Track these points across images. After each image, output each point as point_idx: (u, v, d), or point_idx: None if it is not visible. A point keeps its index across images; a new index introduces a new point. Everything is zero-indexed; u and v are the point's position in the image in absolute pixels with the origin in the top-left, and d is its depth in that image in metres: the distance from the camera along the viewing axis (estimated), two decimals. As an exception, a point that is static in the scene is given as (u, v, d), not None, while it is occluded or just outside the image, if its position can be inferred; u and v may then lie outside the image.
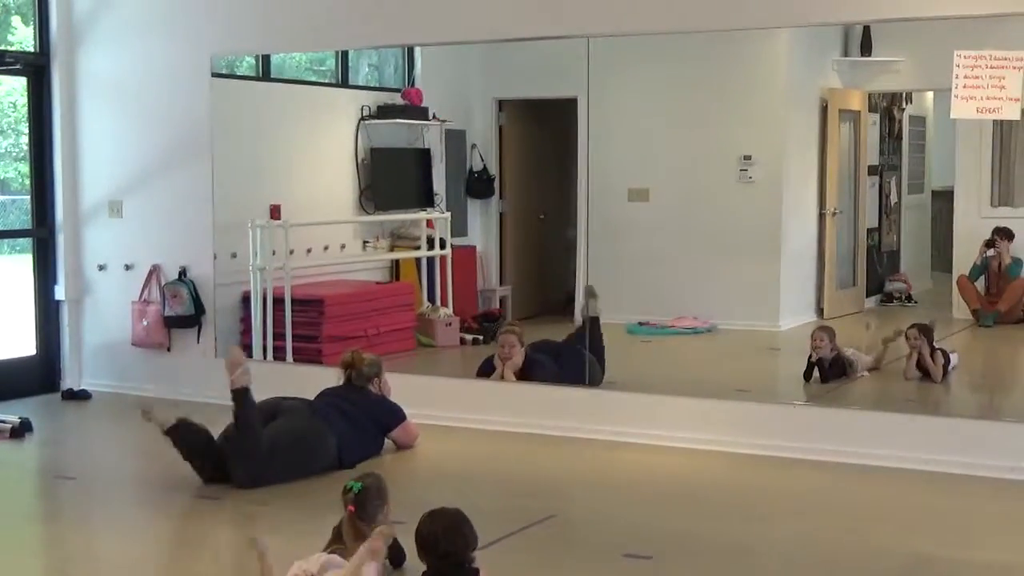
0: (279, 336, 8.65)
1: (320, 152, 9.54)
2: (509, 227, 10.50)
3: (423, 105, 9.92)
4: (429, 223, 9.87)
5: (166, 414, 6.37)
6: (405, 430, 7.08)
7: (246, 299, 8.77)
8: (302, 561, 4.43)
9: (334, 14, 8.08)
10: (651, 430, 7.24)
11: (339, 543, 4.61)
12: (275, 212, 8.77)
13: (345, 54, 9.55)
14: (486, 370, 8.04)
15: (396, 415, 7.04)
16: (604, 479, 6.63)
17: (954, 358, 8.10)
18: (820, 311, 9.51)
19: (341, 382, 7.05)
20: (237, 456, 6.24)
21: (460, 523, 4.30)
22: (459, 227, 10.14)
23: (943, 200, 10.33)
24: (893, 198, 10.51)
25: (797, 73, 9.63)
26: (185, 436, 6.33)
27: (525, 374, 7.85)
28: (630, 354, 8.19)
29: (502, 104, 10.38)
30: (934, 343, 7.97)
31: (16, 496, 6.59)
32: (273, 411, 6.58)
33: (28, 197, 9.02)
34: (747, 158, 9.45)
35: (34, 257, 8.98)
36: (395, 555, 4.77)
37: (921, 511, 5.97)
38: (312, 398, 6.91)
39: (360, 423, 6.81)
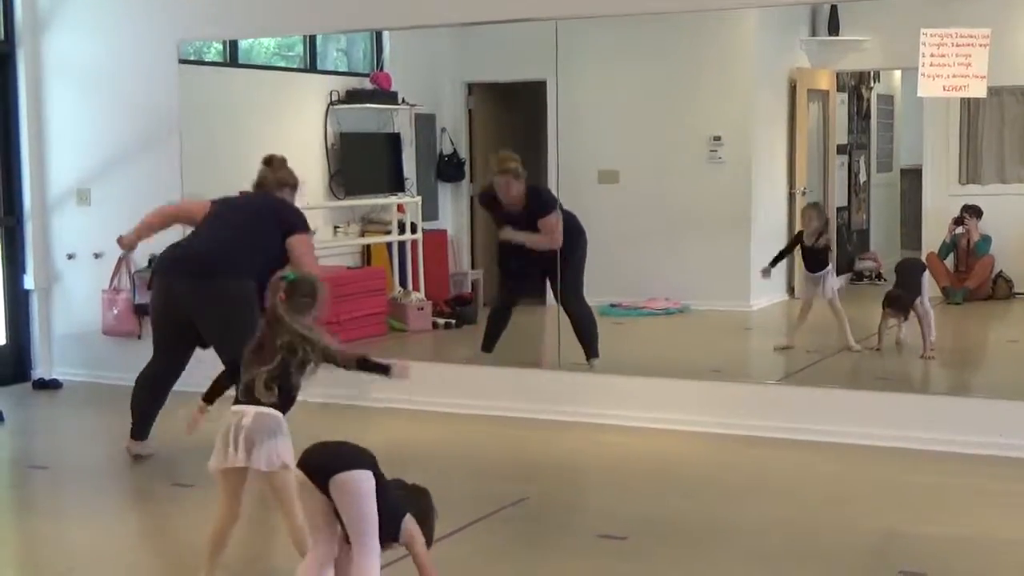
0: (251, 322, 8.61)
1: (289, 138, 9.47)
2: (480, 211, 10.47)
3: (392, 89, 9.88)
4: (400, 207, 9.85)
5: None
6: (302, 240, 6.46)
7: (217, 286, 8.71)
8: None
9: (301, -2, 8.05)
10: (625, 411, 7.26)
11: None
12: (245, 198, 8.70)
13: (313, 39, 9.50)
14: (485, 200, 8.21)
15: (300, 218, 6.57)
16: (578, 461, 6.64)
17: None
18: (791, 290, 9.55)
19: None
20: None
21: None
22: (430, 211, 10.12)
23: (912, 178, 10.39)
24: (862, 177, 10.55)
25: (765, 53, 9.65)
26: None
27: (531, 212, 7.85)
28: (602, 336, 8.18)
29: (471, 87, 10.36)
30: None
31: (-12, 487, 6.56)
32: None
33: (-5, 186, 8.95)
34: (717, 139, 9.48)
35: (2, 246, 8.90)
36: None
37: (893, 488, 6.00)
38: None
39: (252, 224, 6.47)
